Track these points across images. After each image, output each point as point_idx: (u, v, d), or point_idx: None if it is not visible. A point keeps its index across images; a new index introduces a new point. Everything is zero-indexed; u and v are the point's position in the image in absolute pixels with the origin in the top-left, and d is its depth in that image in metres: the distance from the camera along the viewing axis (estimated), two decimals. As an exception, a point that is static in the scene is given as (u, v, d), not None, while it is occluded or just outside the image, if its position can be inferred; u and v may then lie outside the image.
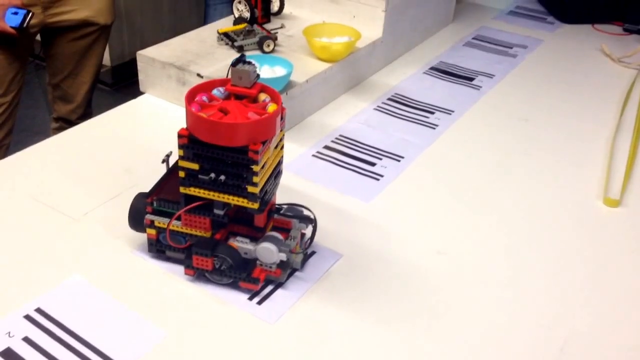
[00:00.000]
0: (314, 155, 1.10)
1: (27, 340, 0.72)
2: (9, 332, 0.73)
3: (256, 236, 0.81)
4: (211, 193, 0.76)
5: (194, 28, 1.38)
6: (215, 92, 0.77)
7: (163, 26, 2.93)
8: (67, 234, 0.89)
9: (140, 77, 1.26)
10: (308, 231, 0.85)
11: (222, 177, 0.74)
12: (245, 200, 0.76)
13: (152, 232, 0.82)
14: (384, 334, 0.77)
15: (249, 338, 0.75)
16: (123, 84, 2.69)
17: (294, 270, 0.85)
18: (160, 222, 0.81)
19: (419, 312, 0.80)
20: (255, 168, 0.73)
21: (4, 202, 0.94)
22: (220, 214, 0.78)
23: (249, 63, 0.77)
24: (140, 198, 0.83)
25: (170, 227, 0.80)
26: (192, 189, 0.76)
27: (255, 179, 0.74)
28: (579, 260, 0.91)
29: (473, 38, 1.64)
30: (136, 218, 0.83)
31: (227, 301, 0.79)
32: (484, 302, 0.83)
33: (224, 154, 0.73)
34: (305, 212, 0.85)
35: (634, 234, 0.98)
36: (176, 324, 0.76)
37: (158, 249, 0.83)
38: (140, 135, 1.13)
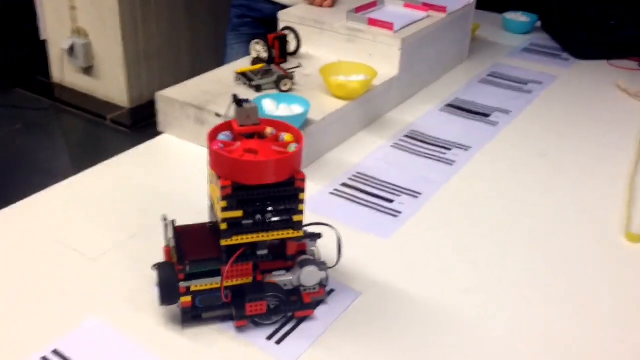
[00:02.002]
0: (331, 193, 1.10)
1: (45, 381, 0.72)
2: (27, 373, 0.72)
3: (287, 266, 0.81)
4: (254, 235, 0.76)
5: (213, 68, 1.40)
6: (222, 137, 0.77)
7: (181, 67, 2.98)
8: (84, 274, 0.89)
9: (159, 117, 1.28)
10: (319, 246, 0.85)
11: (269, 216, 0.75)
12: (291, 231, 0.77)
13: (187, 299, 0.77)
14: (406, 373, 0.76)
15: (268, 378, 0.74)
16: (141, 125, 2.73)
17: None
18: (198, 285, 0.77)
19: (443, 353, 0.79)
20: (302, 196, 0.75)
21: (21, 243, 0.94)
22: (264, 254, 0.78)
23: (247, 101, 0.78)
24: (167, 269, 0.77)
25: (210, 286, 0.77)
26: (234, 238, 0.75)
27: (301, 207, 0.75)
28: (603, 296, 0.90)
29: (488, 75, 1.65)
30: (170, 290, 0.76)
31: (247, 342, 0.78)
32: (510, 341, 0.81)
33: (270, 192, 0.74)
34: (320, 228, 0.85)
35: (658, 269, 0.96)
36: (194, 364, 0.75)
37: (194, 315, 0.79)
38: (159, 175, 1.14)
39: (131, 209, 1.03)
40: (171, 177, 1.13)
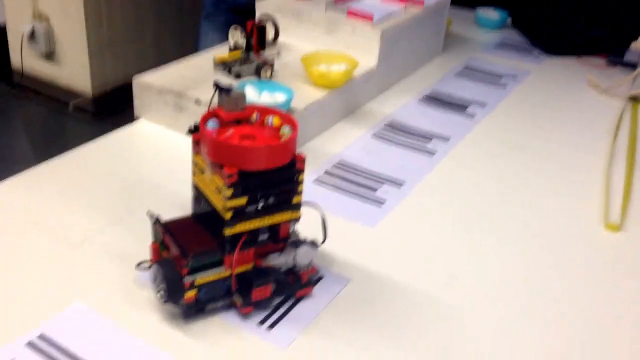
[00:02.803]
0: (315, 181, 1.09)
1: (31, 368, 0.69)
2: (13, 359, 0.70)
3: (278, 248, 0.80)
4: (256, 221, 0.75)
5: (178, 57, 1.37)
6: (210, 125, 0.76)
7: (147, 56, 2.92)
8: (66, 260, 0.86)
9: (136, 102, 1.25)
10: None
11: (271, 199, 0.74)
12: (290, 213, 0.76)
13: (192, 294, 0.75)
14: (395, 359, 0.75)
15: (262, 364, 0.73)
16: (106, 113, 2.66)
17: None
18: (203, 277, 0.75)
19: (430, 338, 0.79)
20: (301, 177, 0.75)
21: (0, 227, 0.91)
22: (265, 239, 0.77)
23: (230, 88, 0.77)
24: (169, 266, 0.74)
25: (214, 277, 0.75)
26: (237, 226, 0.74)
27: (300, 188, 0.76)
28: (584, 285, 0.91)
29: (463, 68, 1.66)
30: (176, 288, 0.74)
31: (237, 327, 0.77)
32: (495, 327, 0.82)
33: (274, 176, 0.73)
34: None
35: (638, 257, 0.98)
36: (183, 349, 0.73)
37: (197, 309, 0.77)
38: (139, 161, 1.12)
39: (109, 196, 1.00)
40: (149, 164, 1.10)
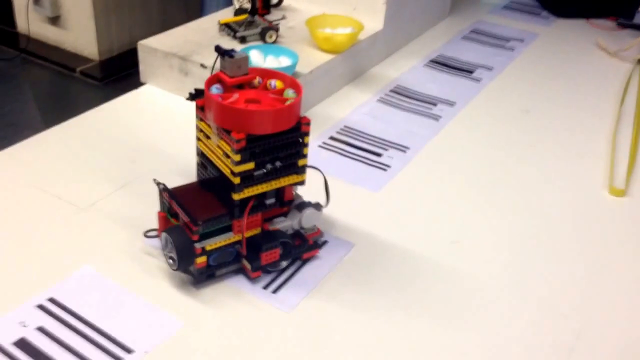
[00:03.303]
0: (320, 146, 1.09)
1: (41, 329, 0.71)
2: (23, 322, 0.71)
3: (282, 212, 0.81)
4: (263, 185, 0.75)
5: (183, 22, 1.36)
6: (214, 90, 0.76)
7: (152, 20, 2.90)
8: (75, 224, 0.87)
9: (141, 67, 1.24)
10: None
11: (278, 163, 0.75)
12: (295, 176, 0.77)
13: (203, 259, 0.76)
14: (398, 322, 0.77)
15: (265, 327, 0.74)
16: (113, 78, 2.66)
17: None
18: (213, 243, 0.75)
19: (433, 301, 0.80)
20: (307, 139, 0.76)
21: (8, 193, 0.92)
22: (272, 203, 0.78)
23: (233, 51, 0.76)
24: (179, 233, 0.75)
25: (223, 243, 0.76)
26: (246, 190, 0.74)
27: (306, 150, 0.77)
28: (588, 249, 0.92)
29: (470, 31, 1.64)
30: (188, 254, 0.75)
31: (243, 291, 0.78)
32: (498, 291, 0.83)
33: (281, 139, 0.74)
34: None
35: (640, 223, 0.99)
36: (191, 312, 0.75)
37: (208, 274, 0.78)
38: (143, 126, 1.12)
39: (116, 161, 1.01)
40: (155, 129, 1.11)
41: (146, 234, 0.83)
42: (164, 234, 0.76)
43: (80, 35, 2.79)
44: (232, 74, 0.75)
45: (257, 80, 0.78)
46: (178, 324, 0.73)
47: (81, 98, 2.56)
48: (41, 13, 2.79)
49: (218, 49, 0.76)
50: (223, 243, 0.76)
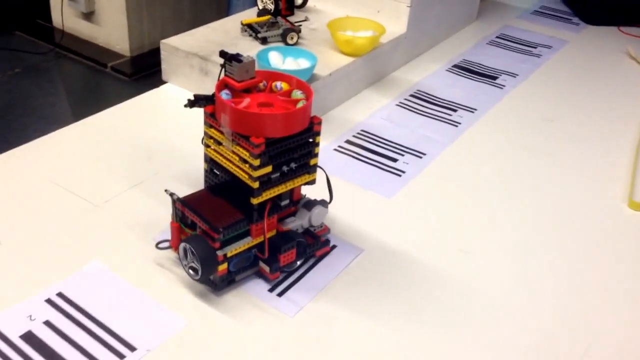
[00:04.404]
0: (335, 150, 1.09)
1: (47, 323, 0.72)
2: (30, 316, 0.73)
3: (291, 212, 0.82)
4: (279, 187, 0.76)
5: (215, 20, 1.38)
6: (224, 96, 0.75)
7: (183, 17, 2.93)
8: (88, 220, 0.89)
9: (163, 66, 1.26)
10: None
11: (293, 164, 0.76)
12: (307, 176, 0.78)
13: (224, 266, 0.76)
14: (403, 331, 0.76)
15: (268, 329, 0.74)
16: (142, 74, 2.69)
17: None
18: (234, 249, 0.76)
19: (440, 310, 0.80)
20: (318, 139, 0.77)
21: (26, 186, 0.94)
22: (287, 203, 0.79)
23: (239, 55, 0.76)
24: (200, 242, 0.74)
25: (243, 248, 0.76)
26: (264, 194, 0.75)
27: (317, 150, 0.77)
28: (603, 263, 0.90)
29: (497, 37, 1.62)
30: (211, 263, 0.74)
31: (248, 293, 0.79)
32: (507, 302, 0.82)
33: (296, 140, 0.75)
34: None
35: (658, 238, 0.96)
36: (196, 312, 0.76)
37: (229, 280, 0.78)
38: (162, 124, 1.13)
39: (134, 158, 1.02)
40: (174, 128, 1.12)
41: (158, 246, 0.81)
42: (182, 244, 0.75)
43: (112, 31, 2.84)
44: (241, 79, 0.75)
45: (262, 83, 0.79)
46: (182, 323, 0.74)
47: (111, 93, 2.60)
48: (76, 8, 2.85)
49: (223, 54, 0.76)
50: (243, 248, 0.77)
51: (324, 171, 0.83)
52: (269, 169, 0.74)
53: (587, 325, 0.79)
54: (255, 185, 0.73)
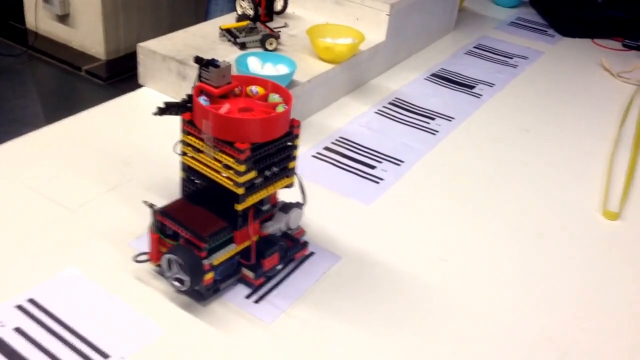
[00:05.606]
0: (313, 156, 1.09)
1: (18, 330, 0.70)
2: (1, 322, 0.71)
3: (267, 216, 0.81)
4: (261, 192, 0.75)
5: (192, 24, 1.36)
6: (202, 101, 0.74)
7: (161, 22, 2.91)
8: (62, 225, 0.87)
9: (140, 69, 1.24)
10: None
11: (275, 168, 0.75)
12: (286, 179, 0.78)
13: (210, 275, 0.75)
14: (381, 338, 0.76)
15: (245, 337, 0.73)
16: (118, 78, 2.67)
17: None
18: (219, 257, 0.75)
19: (418, 318, 0.80)
20: (297, 142, 0.77)
21: (-3, 190, 0.92)
22: (269, 208, 0.78)
23: (215, 60, 0.75)
24: (185, 252, 0.73)
25: (227, 256, 0.76)
26: (248, 199, 0.74)
27: (295, 153, 0.77)
28: (578, 272, 0.91)
29: (474, 47, 1.64)
30: (198, 272, 0.73)
31: (225, 299, 0.78)
32: (485, 311, 0.82)
33: (278, 144, 0.74)
34: None
35: (633, 246, 0.97)
36: (172, 320, 0.74)
37: (215, 289, 0.77)
38: (139, 128, 1.12)
39: (109, 162, 1.01)
40: (150, 133, 1.10)
41: (136, 259, 0.79)
42: (167, 256, 0.74)
43: (88, 34, 2.80)
44: (218, 84, 0.74)
45: (237, 88, 0.78)
46: (158, 331, 0.73)
47: (85, 97, 2.57)
48: (50, 10, 2.81)
49: (199, 60, 0.75)
50: (228, 256, 0.76)
51: (297, 175, 0.82)
52: (253, 174, 0.73)
53: (563, 334, 0.80)
54: (241, 191, 0.72)
